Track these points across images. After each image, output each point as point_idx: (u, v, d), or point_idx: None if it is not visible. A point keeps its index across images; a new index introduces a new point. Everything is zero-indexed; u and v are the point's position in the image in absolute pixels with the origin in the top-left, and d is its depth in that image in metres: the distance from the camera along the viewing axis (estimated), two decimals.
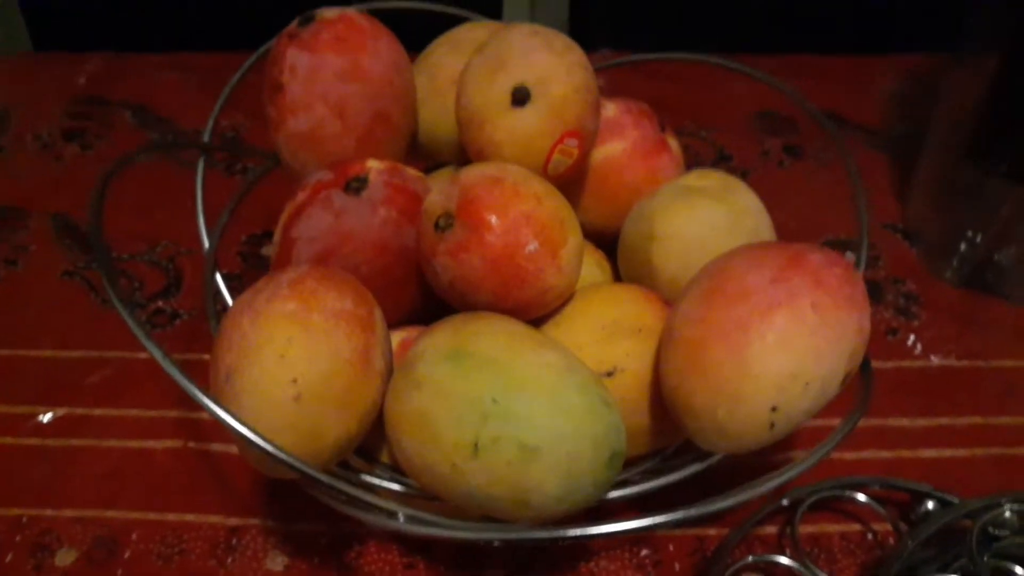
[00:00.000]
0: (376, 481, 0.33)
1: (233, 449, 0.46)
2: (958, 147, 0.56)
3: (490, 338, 0.32)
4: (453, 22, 0.50)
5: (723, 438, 0.33)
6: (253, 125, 0.68)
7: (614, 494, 0.33)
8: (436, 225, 0.35)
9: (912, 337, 0.53)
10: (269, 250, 0.57)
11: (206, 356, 0.50)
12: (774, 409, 0.31)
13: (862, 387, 0.35)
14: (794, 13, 0.83)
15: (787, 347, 0.31)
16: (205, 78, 0.73)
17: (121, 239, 0.58)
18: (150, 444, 0.46)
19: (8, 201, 0.61)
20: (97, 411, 0.48)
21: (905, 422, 0.48)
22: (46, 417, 0.47)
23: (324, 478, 0.29)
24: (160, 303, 0.54)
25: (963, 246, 0.56)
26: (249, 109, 0.67)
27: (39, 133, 0.67)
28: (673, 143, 0.46)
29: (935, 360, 0.51)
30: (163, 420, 0.47)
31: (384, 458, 0.36)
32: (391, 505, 0.31)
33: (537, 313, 0.37)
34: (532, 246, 0.34)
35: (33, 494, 0.44)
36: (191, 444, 0.46)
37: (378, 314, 0.34)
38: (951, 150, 0.57)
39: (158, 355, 0.29)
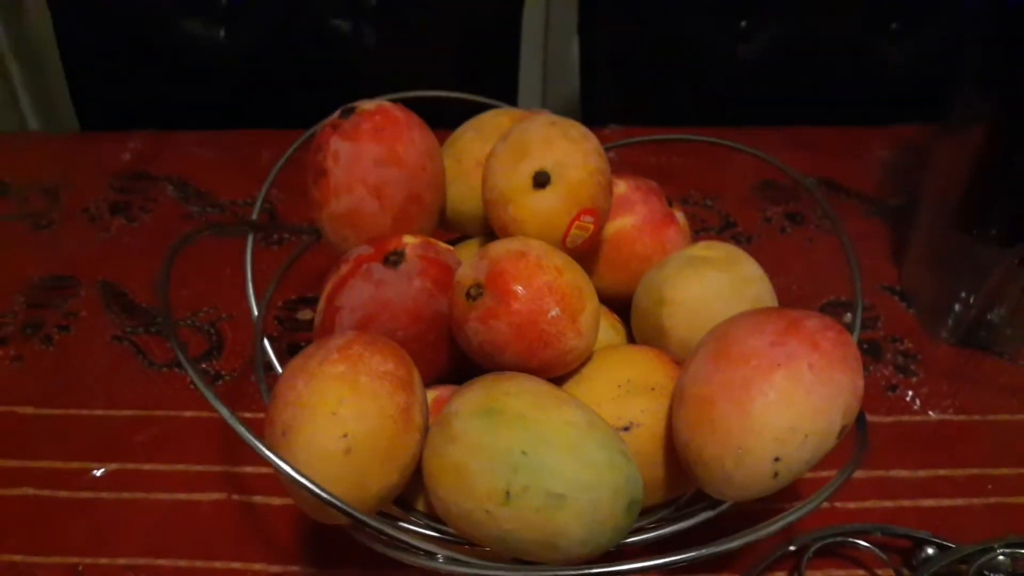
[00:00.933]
0: (415, 528, 0.36)
1: (275, 501, 0.49)
2: (949, 214, 0.59)
3: (518, 397, 0.35)
4: (476, 106, 0.55)
5: (731, 487, 0.36)
6: (287, 199, 0.73)
7: (632, 539, 0.36)
8: (467, 295, 0.39)
9: (911, 393, 0.56)
10: (306, 315, 0.62)
11: (248, 414, 0.55)
12: (776, 459, 0.35)
13: (859, 439, 0.38)
14: (793, 88, 0.88)
15: (787, 404, 0.35)
16: (240, 154, 0.78)
17: None
18: (196, 496, 0.50)
19: (60, 271, 0.66)
20: (146, 466, 0.51)
21: (905, 473, 0.51)
22: (99, 472, 0.51)
23: (373, 522, 0.32)
24: (203, 365, 0.58)
25: (957, 307, 0.60)
26: (281, 183, 0.72)
27: (87, 207, 0.72)
28: (680, 216, 0.50)
29: (933, 415, 0.54)
30: (208, 474, 0.51)
31: (420, 507, 0.39)
32: (431, 547, 0.34)
33: (559, 372, 0.40)
34: (554, 312, 0.38)
35: (88, 544, 0.47)
36: (235, 496, 0.50)
37: (416, 375, 0.38)
38: (942, 217, 0.60)
39: (225, 412, 0.32)
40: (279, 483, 0.50)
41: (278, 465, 0.31)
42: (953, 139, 0.60)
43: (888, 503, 0.49)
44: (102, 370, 0.58)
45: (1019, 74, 0.53)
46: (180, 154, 0.78)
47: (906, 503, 0.49)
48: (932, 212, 0.63)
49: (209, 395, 0.32)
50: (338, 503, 0.31)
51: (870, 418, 0.53)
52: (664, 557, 0.32)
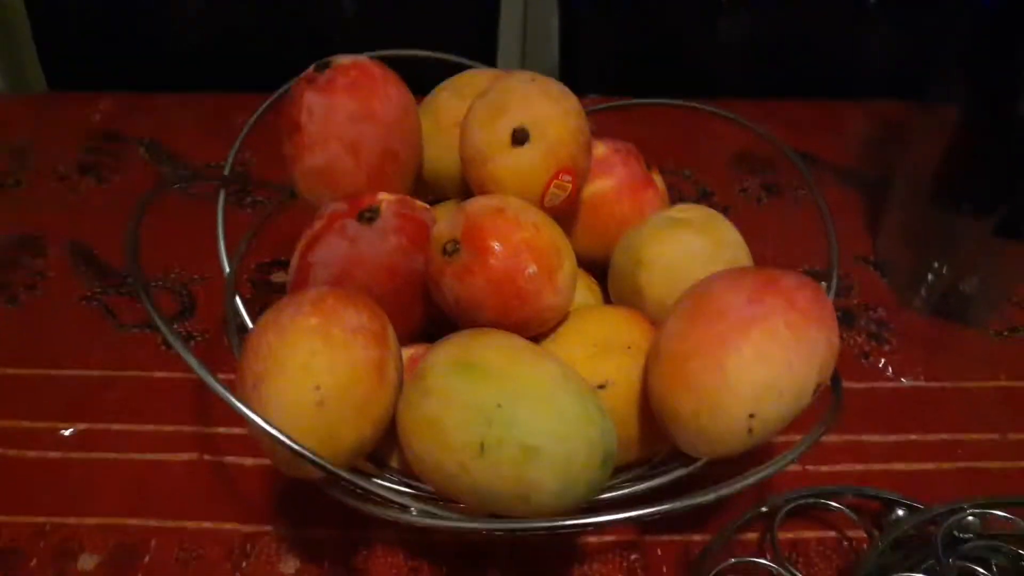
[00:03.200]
0: (389, 484, 0.36)
1: (247, 461, 0.49)
2: (924, 187, 0.60)
3: (494, 351, 0.35)
4: (454, 68, 0.54)
5: (706, 443, 0.36)
6: (260, 160, 0.71)
7: (606, 495, 0.36)
8: (444, 250, 0.38)
9: (883, 360, 0.56)
10: (279, 276, 0.61)
11: (220, 375, 0.53)
12: (752, 416, 0.35)
13: (833, 399, 0.38)
14: (773, 62, 0.88)
15: (762, 360, 0.35)
16: (212, 117, 0.77)
17: None
18: (167, 457, 0.49)
19: (27, 230, 0.64)
20: (116, 426, 0.51)
21: (877, 438, 0.51)
22: (68, 431, 0.50)
23: (348, 475, 0.32)
24: (175, 326, 0.57)
25: (930, 276, 0.60)
26: (255, 146, 0.70)
27: (56, 167, 0.71)
28: (658, 180, 0.50)
29: (905, 382, 0.55)
30: (179, 434, 0.50)
31: (394, 464, 0.39)
32: (404, 500, 0.34)
33: (536, 331, 0.40)
34: (531, 269, 0.38)
35: (56, 503, 0.46)
36: (206, 457, 0.49)
37: (391, 330, 0.38)
38: (917, 189, 0.61)
39: (194, 363, 0.32)
40: (252, 443, 0.49)
41: (249, 417, 0.31)
42: (929, 115, 0.61)
43: (860, 467, 0.50)
44: (71, 330, 0.57)
45: (995, 56, 0.54)
46: (152, 116, 0.77)
47: (877, 467, 0.50)
48: (907, 185, 0.63)
49: (177, 344, 0.32)
50: (311, 455, 0.31)
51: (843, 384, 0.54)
52: (635, 510, 0.32)
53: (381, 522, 0.45)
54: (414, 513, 0.34)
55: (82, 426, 0.51)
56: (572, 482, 0.33)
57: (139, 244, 0.37)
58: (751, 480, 0.34)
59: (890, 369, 0.56)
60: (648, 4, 0.87)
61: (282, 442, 0.31)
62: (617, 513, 0.32)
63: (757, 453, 0.44)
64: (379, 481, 0.36)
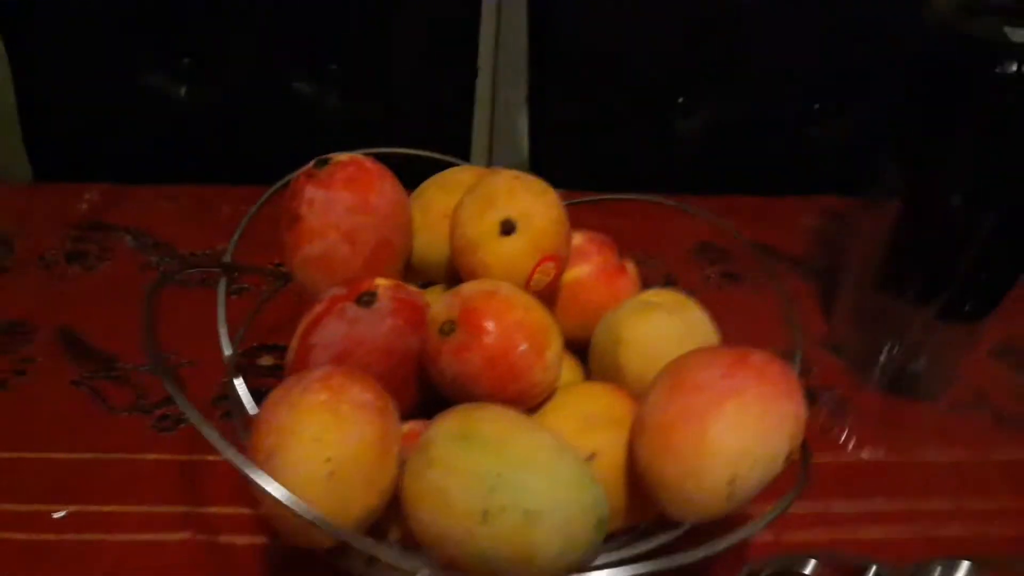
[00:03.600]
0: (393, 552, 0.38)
1: (239, 540, 0.50)
2: (870, 276, 0.65)
3: (492, 423, 0.37)
4: (430, 164, 0.58)
5: (690, 506, 0.39)
6: (248, 250, 0.73)
7: (599, 561, 0.38)
8: (441, 330, 0.41)
9: (844, 434, 0.60)
10: (266, 360, 0.63)
11: (209, 457, 0.55)
12: (731, 481, 0.38)
13: (803, 461, 0.41)
14: (726, 160, 0.95)
15: (739, 429, 0.38)
16: (200, 207, 0.80)
17: (127, 352, 0.63)
18: (160, 537, 0.50)
19: (15, 315, 0.66)
20: (108, 507, 0.51)
21: (844, 507, 0.54)
22: (59, 514, 0.51)
23: (360, 540, 0.34)
24: (164, 410, 0.58)
25: (882, 357, 0.65)
26: (244, 237, 0.74)
27: (43, 254, 0.72)
28: (630, 267, 0.54)
29: (866, 455, 0.58)
30: (172, 515, 0.51)
31: (393, 536, 0.40)
32: (414, 565, 0.36)
33: (526, 406, 0.43)
34: (523, 347, 0.41)
35: None
36: (200, 536, 0.50)
37: (392, 406, 0.40)
38: (864, 278, 0.66)
39: (215, 438, 0.34)
40: (244, 521, 0.51)
41: (264, 487, 0.33)
42: (871, 210, 0.66)
43: (829, 535, 0.52)
44: (60, 414, 0.58)
45: (928, 154, 0.59)
46: (138, 206, 0.79)
47: (845, 535, 0.53)
48: (855, 274, 0.68)
49: (197, 420, 0.34)
50: (325, 522, 0.33)
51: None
52: (627, 568, 0.34)
53: None
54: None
55: (73, 508, 0.51)
56: (572, 544, 0.35)
57: (157, 335, 0.39)
58: (736, 538, 0.36)
59: (851, 443, 0.59)
60: (610, 108, 0.94)
61: (297, 511, 0.33)
62: (610, 568, 0.34)
63: (731, 523, 0.47)
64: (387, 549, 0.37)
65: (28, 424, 0.57)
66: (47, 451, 0.55)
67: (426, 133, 0.90)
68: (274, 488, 0.33)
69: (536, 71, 0.90)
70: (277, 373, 0.61)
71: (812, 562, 0.49)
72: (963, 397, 0.64)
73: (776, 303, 0.53)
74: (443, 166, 0.58)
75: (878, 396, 0.64)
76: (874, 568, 0.48)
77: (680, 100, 0.92)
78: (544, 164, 0.93)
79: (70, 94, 0.88)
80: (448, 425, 0.38)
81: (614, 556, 0.39)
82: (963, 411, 0.63)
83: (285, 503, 0.33)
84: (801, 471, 0.41)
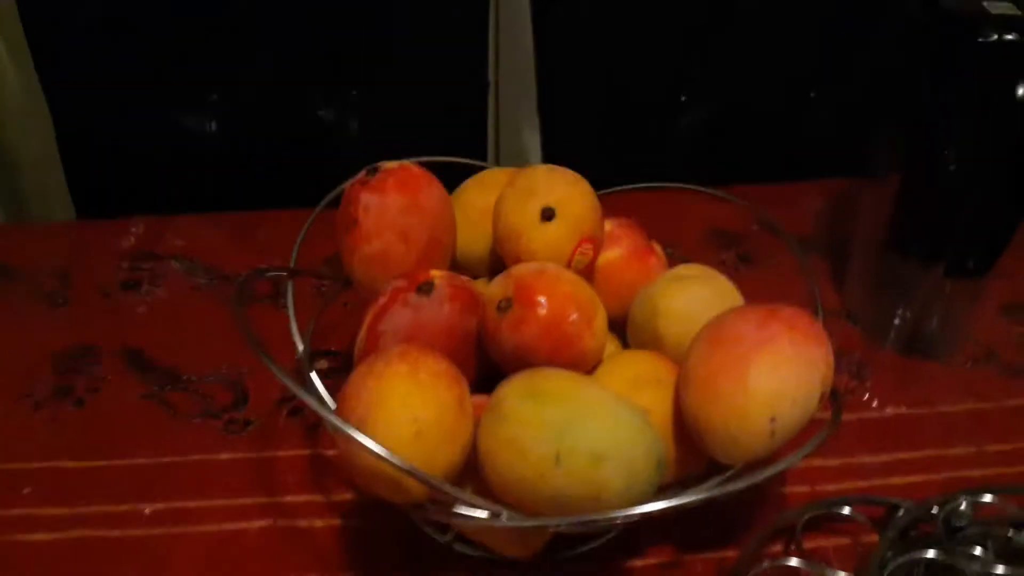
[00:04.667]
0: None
1: (318, 523, 0.54)
2: (878, 245, 0.69)
3: (555, 381, 0.42)
4: (457, 170, 0.63)
5: (736, 448, 0.43)
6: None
7: (657, 505, 0.42)
8: (499, 307, 0.46)
9: (867, 395, 0.64)
10: (321, 364, 0.67)
11: (280, 452, 0.59)
12: (772, 419, 0.42)
13: (834, 406, 0.45)
14: (730, 152, 1.00)
15: (775, 373, 0.42)
16: (238, 232, 0.84)
17: (187, 365, 0.67)
18: (242, 526, 0.54)
19: (81, 341, 0.70)
20: (191, 503, 0.55)
21: (872, 459, 0.58)
22: (147, 510, 0.55)
23: (449, 488, 0.38)
24: (233, 414, 0.62)
25: (896, 321, 0.69)
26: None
27: (99, 285, 0.77)
28: (658, 248, 0.59)
29: (888, 411, 0.62)
30: (251, 506, 0.55)
31: (468, 491, 0.44)
32: (496, 508, 0.40)
33: (579, 371, 0.47)
34: (574, 316, 0.45)
35: (144, 574, 0.51)
36: (279, 522, 0.54)
37: (462, 376, 0.44)
38: (873, 247, 0.70)
39: (311, 400, 0.38)
40: (321, 506, 0.55)
41: (364, 444, 0.37)
42: (874, 183, 0.71)
43: (861, 483, 0.56)
44: (135, 424, 0.62)
45: (922, 124, 0.64)
46: (181, 235, 0.84)
47: (876, 482, 0.56)
48: (864, 244, 0.73)
49: (286, 379, 0.38)
50: (418, 472, 0.37)
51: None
52: (680, 498, 0.38)
53: (447, 565, 0.50)
54: (504, 518, 0.40)
55: (159, 506, 0.55)
56: (635, 481, 0.39)
57: (248, 322, 0.43)
58: (780, 467, 0.40)
59: (874, 402, 0.64)
60: (617, 101, 0.99)
61: (395, 464, 0.37)
62: (667, 501, 0.38)
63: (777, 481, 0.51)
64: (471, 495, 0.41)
65: (108, 435, 0.61)
66: (128, 458, 0.59)
67: (443, 147, 0.95)
68: (374, 445, 0.37)
69: (544, 83, 0.96)
70: (332, 375, 0.66)
71: (847, 506, 0.53)
72: (975, 354, 0.68)
73: (791, 281, 0.57)
74: (470, 172, 0.63)
75: (895, 358, 0.68)
76: (905, 506, 0.52)
77: (682, 98, 0.97)
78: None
79: (108, 136, 0.93)
80: (516, 386, 0.42)
81: (668, 503, 0.43)
82: (976, 367, 0.67)
83: (385, 458, 0.37)
84: (833, 410, 0.45)
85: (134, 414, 0.63)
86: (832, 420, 0.44)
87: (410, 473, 0.37)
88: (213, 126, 0.94)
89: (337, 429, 0.38)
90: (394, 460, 0.37)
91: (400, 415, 0.40)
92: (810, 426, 0.44)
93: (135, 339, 0.70)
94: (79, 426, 0.62)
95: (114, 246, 0.83)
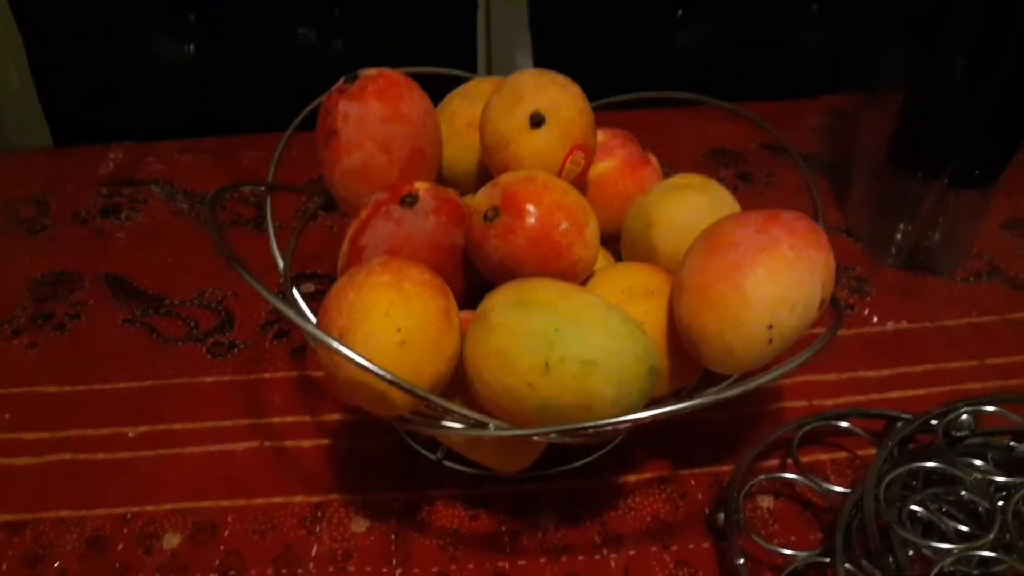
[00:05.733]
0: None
1: (304, 443, 0.53)
2: (881, 162, 0.67)
3: (544, 290, 0.40)
4: (443, 82, 0.60)
5: (732, 357, 0.41)
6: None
7: (648, 412, 0.41)
8: (485, 217, 0.44)
9: (867, 310, 0.63)
10: (307, 287, 0.65)
11: (266, 375, 0.58)
12: (770, 327, 0.40)
13: (835, 310, 0.44)
14: (729, 69, 0.96)
15: (774, 278, 0.40)
16: (220, 157, 0.82)
17: (170, 290, 0.65)
18: (229, 447, 0.53)
19: (61, 267, 0.68)
20: (176, 426, 0.54)
21: (871, 373, 0.57)
22: (132, 433, 0.54)
23: (435, 398, 0.37)
24: (217, 337, 0.61)
25: (898, 236, 0.67)
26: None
27: (77, 211, 0.75)
28: (653, 159, 0.56)
29: (889, 325, 0.61)
30: (237, 427, 0.54)
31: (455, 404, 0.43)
32: (483, 418, 0.39)
33: (569, 282, 0.45)
34: (564, 225, 0.43)
35: (132, 495, 0.50)
36: (267, 443, 0.53)
37: (447, 287, 0.42)
38: (877, 162, 0.68)
39: (293, 315, 0.36)
40: (308, 427, 0.54)
41: (346, 355, 0.36)
42: (878, 98, 0.68)
43: (860, 397, 0.55)
44: (117, 349, 0.60)
45: (930, 42, 0.61)
46: (161, 160, 0.82)
47: (875, 396, 0.55)
48: (867, 159, 0.71)
49: (264, 292, 0.36)
50: (402, 382, 0.36)
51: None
52: (674, 404, 0.37)
53: (437, 482, 0.50)
54: (492, 428, 0.39)
55: (144, 428, 0.54)
56: (626, 390, 0.38)
57: (223, 233, 0.41)
58: (781, 371, 0.39)
59: (875, 317, 0.62)
60: (612, 17, 0.95)
61: (378, 375, 0.35)
62: (664, 407, 0.37)
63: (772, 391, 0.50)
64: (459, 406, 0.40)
65: (90, 360, 0.59)
66: (112, 382, 0.58)
67: (434, 55, 0.91)
68: (356, 356, 0.35)
69: None
70: (317, 298, 0.64)
71: (845, 419, 0.52)
72: (977, 268, 0.67)
73: (791, 200, 0.55)
74: (456, 85, 0.60)
75: (895, 274, 0.66)
76: (904, 418, 0.51)
77: (680, 13, 0.93)
78: None
79: (83, 62, 0.90)
80: (504, 296, 0.40)
81: (661, 409, 0.41)
82: (979, 281, 0.65)
83: (367, 368, 0.35)
84: (834, 316, 0.44)
85: (117, 339, 0.61)
86: (833, 325, 0.43)
87: (395, 384, 0.36)
88: (191, 49, 0.91)
89: (318, 340, 0.36)
90: (378, 371, 0.35)
91: (383, 325, 0.38)
92: (806, 338, 0.43)
93: (116, 265, 0.68)
94: (60, 352, 0.60)
95: (92, 172, 0.80)
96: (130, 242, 0.71)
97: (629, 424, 0.37)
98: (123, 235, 0.72)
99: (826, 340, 0.41)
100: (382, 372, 0.36)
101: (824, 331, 0.43)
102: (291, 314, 0.36)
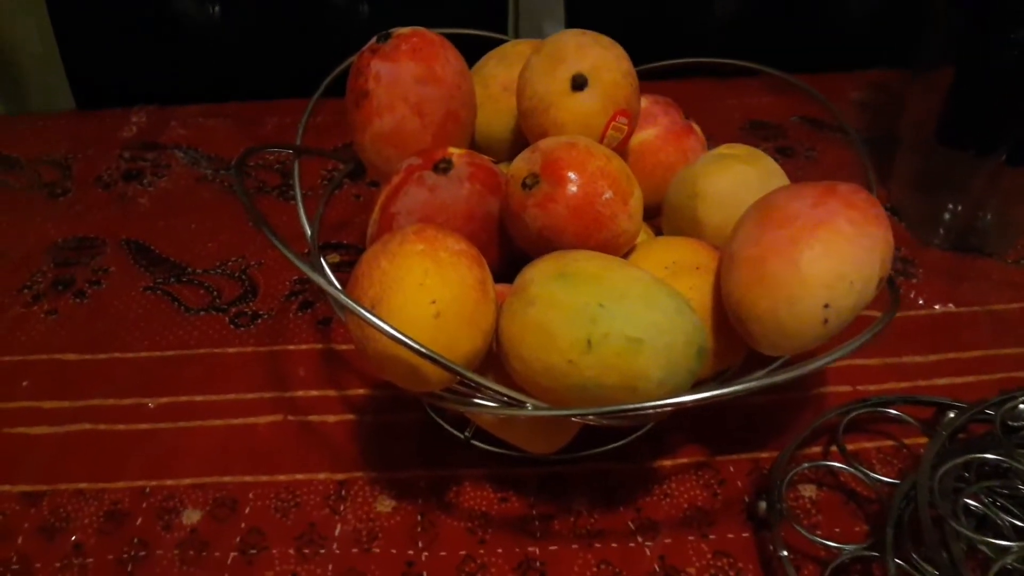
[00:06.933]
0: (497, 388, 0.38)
1: (329, 418, 0.51)
2: (929, 138, 0.64)
3: (587, 262, 0.38)
4: (475, 44, 0.58)
5: (784, 337, 0.39)
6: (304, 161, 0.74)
7: (696, 395, 0.39)
8: (524, 184, 0.41)
9: (913, 292, 0.60)
10: (333, 258, 0.63)
11: (290, 347, 0.56)
12: (826, 306, 0.38)
13: (892, 291, 0.41)
14: (766, 40, 0.93)
15: (832, 254, 0.38)
16: (245, 122, 0.80)
17: (195, 258, 0.64)
18: (252, 420, 0.51)
19: (82, 232, 0.67)
20: (198, 397, 0.53)
21: (919, 359, 0.54)
22: (152, 404, 0.52)
23: (472, 375, 0.35)
24: (240, 307, 0.59)
25: (946, 216, 0.64)
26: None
27: (100, 176, 0.73)
28: (697, 128, 0.54)
29: (937, 308, 0.58)
30: (261, 400, 0.52)
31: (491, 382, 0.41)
32: (520, 397, 0.36)
33: (612, 255, 0.43)
34: (607, 195, 0.41)
35: (152, 468, 0.48)
36: (291, 417, 0.51)
37: (483, 258, 0.40)
38: (924, 140, 0.65)
39: (324, 283, 0.34)
40: (332, 402, 0.52)
41: (379, 326, 0.34)
42: (928, 75, 0.65)
43: (906, 383, 0.53)
44: (138, 317, 0.59)
45: (984, 8, 0.58)
46: (185, 125, 0.80)
47: (921, 383, 0.53)
48: (914, 137, 0.68)
49: (291, 255, 0.34)
50: (437, 357, 0.34)
51: (879, 312, 0.57)
52: (725, 387, 0.35)
53: (465, 461, 0.48)
54: (529, 408, 0.37)
55: (164, 399, 0.53)
56: (673, 370, 0.36)
57: (251, 195, 0.39)
58: (835, 356, 0.37)
59: (921, 300, 0.59)
60: None
61: (412, 348, 0.33)
62: (712, 391, 0.35)
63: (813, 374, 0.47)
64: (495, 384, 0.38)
65: (110, 328, 0.58)
66: (132, 351, 0.56)
67: (465, 18, 0.88)
68: (388, 328, 0.33)
69: None
70: (344, 268, 0.62)
71: (894, 405, 0.50)
72: None
73: (833, 175, 0.53)
74: (490, 49, 0.57)
75: (942, 255, 0.63)
76: (958, 406, 0.48)
77: None
78: None
79: (106, 25, 0.88)
80: (544, 267, 0.38)
81: (708, 393, 0.39)
82: None
83: (400, 340, 0.33)
84: (891, 296, 0.41)
85: (137, 307, 0.60)
86: (891, 306, 0.40)
87: (428, 358, 0.34)
88: (216, 11, 0.89)
89: (349, 310, 0.34)
90: (411, 344, 0.33)
91: (418, 295, 0.36)
92: (856, 322, 0.40)
93: (138, 231, 0.67)
94: (80, 319, 0.59)
95: (115, 136, 0.79)
96: (153, 208, 0.70)
97: (673, 408, 0.34)
98: (145, 200, 0.71)
99: (885, 322, 0.39)
100: (416, 345, 0.34)
101: (880, 315, 0.40)
102: (321, 281, 0.34)
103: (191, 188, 0.71)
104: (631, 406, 0.35)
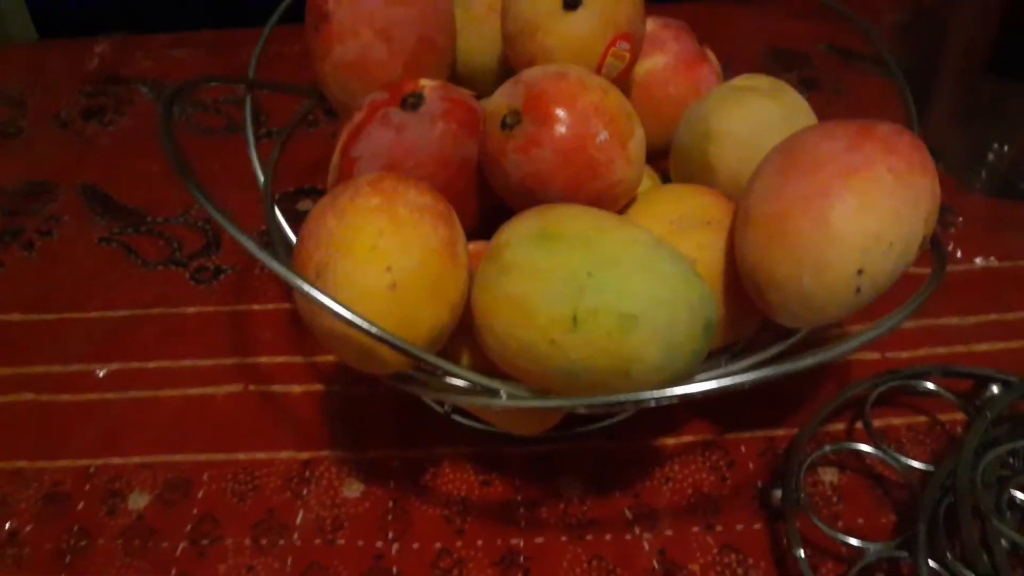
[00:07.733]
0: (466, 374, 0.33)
1: (294, 388, 0.46)
2: (976, 65, 0.57)
3: (575, 220, 0.32)
4: None
5: (808, 308, 0.33)
6: (271, 96, 0.68)
7: (702, 376, 0.33)
8: (503, 124, 0.35)
9: (951, 244, 0.53)
10: (305, 205, 0.58)
11: (255, 306, 0.51)
12: (860, 272, 0.32)
13: (936, 254, 0.35)
14: None
15: (869, 209, 0.31)
16: (216, 53, 0.73)
17: (154, 205, 0.58)
18: (210, 391, 0.46)
19: (35, 176, 0.61)
20: (151, 364, 0.48)
21: (956, 320, 0.48)
22: (102, 372, 0.47)
23: (433, 359, 0.29)
24: (202, 261, 0.54)
25: (990, 156, 0.57)
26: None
27: (57, 113, 0.67)
28: (711, 56, 0.47)
29: (977, 262, 0.52)
30: (220, 368, 0.47)
31: (464, 362, 0.36)
32: (492, 384, 0.31)
33: (607, 208, 0.37)
34: (603, 136, 0.35)
35: (98, 445, 0.44)
36: (252, 387, 0.46)
37: (454, 213, 0.34)
38: (969, 69, 0.58)
39: (254, 248, 0.28)
40: (299, 370, 0.47)
41: (320, 301, 0.28)
42: None
43: (942, 349, 0.47)
44: (92, 272, 0.53)
45: None
46: (152, 57, 0.73)
47: (960, 348, 0.47)
48: (956, 66, 0.60)
49: (225, 222, 0.28)
50: (391, 338, 0.28)
51: (914, 269, 0.51)
52: (737, 376, 0.29)
53: (444, 439, 0.43)
54: (504, 398, 0.31)
55: (115, 366, 0.48)
56: (675, 352, 0.30)
57: (176, 141, 0.33)
58: (864, 339, 0.31)
59: (960, 252, 0.53)
60: None
61: (360, 327, 0.28)
62: (719, 379, 0.29)
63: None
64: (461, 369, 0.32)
65: (61, 284, 0.53)
66: (83, 311, 0.51)
67: None
68: (330, 302, 0.28)
69: None
70: None
71: (929, 377, 0.44)
72: None
73: (864, 110, 0.46)
74: None
75: (986, 202, 0.57)
76: (997, 385, 0.42)
77: None
78: None
79: None
80: (524, 226, 0.32)
81: (717, 372, 0.34)
82: None
83: (346, 318, 0.28)
84: (936, 258, 0.35)
85: (90, 260, 0.54)
86: (935, 273, 0.34)
87: (381, 339, 0.28)
88: None
89: (287, 280, 0.29)
90: (360, 322, 0.28)
91: (370, 261, 0.30)
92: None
93: (95, 175, 0.61)
94: (28, 274, 0.54)
95: (76, 70, 0.72)
96: (113, 148, 0.64)
97: (676, 399, 0.29)
98: (106, 140, 0.65)
99: (928, 293, 0.33)
100: (366, 324, 0.28)
101: (924, 284, 0.34)
102: (249, 244, 0.28)
103: (154, 128, 0.65)
104: (623, 397, 0.29)
